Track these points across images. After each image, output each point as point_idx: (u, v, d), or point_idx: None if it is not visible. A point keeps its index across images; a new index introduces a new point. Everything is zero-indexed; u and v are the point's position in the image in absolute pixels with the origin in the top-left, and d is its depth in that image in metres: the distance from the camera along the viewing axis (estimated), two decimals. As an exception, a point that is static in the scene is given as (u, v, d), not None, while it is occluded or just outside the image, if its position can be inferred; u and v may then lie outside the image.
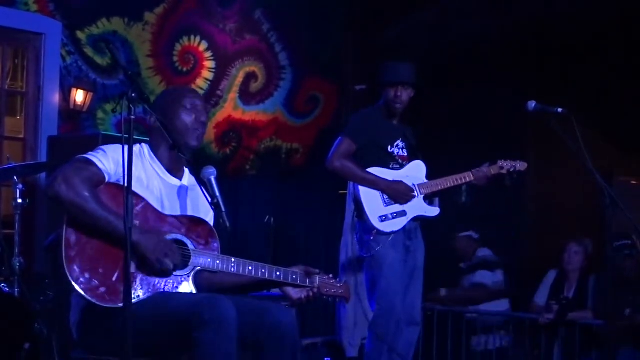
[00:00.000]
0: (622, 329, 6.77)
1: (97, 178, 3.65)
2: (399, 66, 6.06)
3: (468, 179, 6.04)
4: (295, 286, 4.01)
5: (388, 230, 5.82)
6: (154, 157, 3.92)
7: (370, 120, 6.05)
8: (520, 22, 8.62)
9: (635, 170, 9.75)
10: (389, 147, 6.00)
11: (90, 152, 3.75)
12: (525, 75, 8.62)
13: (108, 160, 3.70)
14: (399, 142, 6.06)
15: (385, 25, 9.32)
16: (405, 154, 6.07)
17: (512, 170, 6.12)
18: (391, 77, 6.01)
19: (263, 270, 3.89)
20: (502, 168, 6.09)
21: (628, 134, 9.07)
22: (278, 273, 3.93)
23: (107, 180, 3.69)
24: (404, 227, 5.88)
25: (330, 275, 4.15)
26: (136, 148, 3.89)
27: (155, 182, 3.86)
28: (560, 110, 4.74)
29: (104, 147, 3.79)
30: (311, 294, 4.03)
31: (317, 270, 4.05)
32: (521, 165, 6.15)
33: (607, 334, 6.89)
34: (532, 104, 4.84)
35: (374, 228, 5.79)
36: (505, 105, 7.28)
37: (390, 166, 5.97)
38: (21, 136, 7.59)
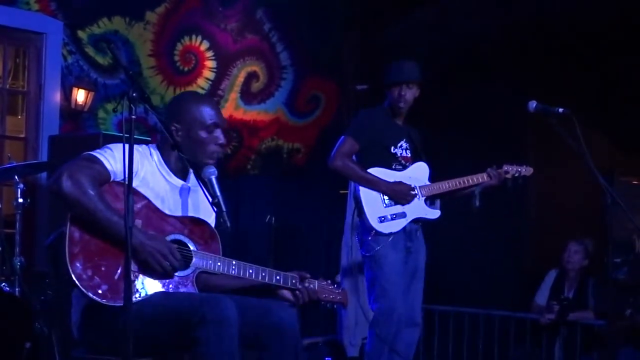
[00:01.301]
0: (623, 329, 6.77)
1: (102, 177, 3.65)
2: (403, 65, 6.02)
3: (480, 180, 6.02)
4: (294, 290, 4.02)
5: (387, 231, 5.80)
6: (160, 157, 3.92)
7: (373, 120, 6.03)
8: (520, 22, 8.61)
9: (636, 170, 9.73)
10: (392, 147, 5.99)
11: (97, 150, 3.75)
12: (525, 75, 8.61)
13: (115, 159, 3.69)
14: (403, 143, 6.03)
15: (386, 25, 9.31)
16: (409, 155, 6.05)
17: (517, 175, 6.10)
18: (395, 77, 5.98)
19: (263, 274, 3.89)
20: (507, 172, 6.08)
21: (629, 133, 9.06)
22: (278, 277, 3.94)
23: (112, 179, 3.69)
24: (404, 229, 5.87)
25: (329, 281, 4.16)
26: (144, 148, 3.90)
27: (160, 183, 3.86)
28: (561, 110, 4.73)
29: (111, 145, 3.78)
30: (307, 299, 4.06)
31: (309, 275, 4.06)
32: (527, 171, 6.13)
33: (608, 334, 6.90)
34: (533, 104, 4.82)
35: (372, 228, 5.79)
36: (505, 105, 7.28)
37: (393, 167, 5.96)
38: (22, 135, 7.59)
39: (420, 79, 6.00)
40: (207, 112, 3.90)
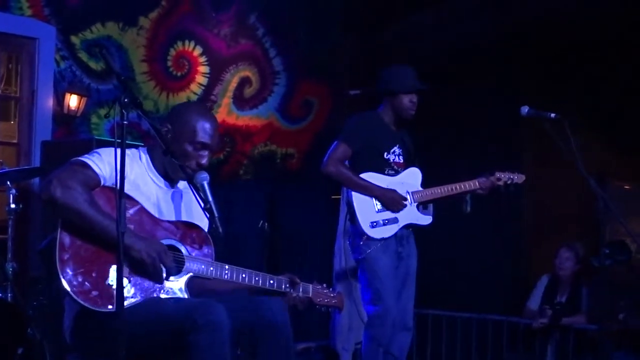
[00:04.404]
0: (616, 333, 6.78)
1: (92, 181, 3.65)
2: (412, 73, 5.99)
3: (472, 187, 6.02)
4: (287, 294, 4.03)
5: (378, 236, 5.81)
6: (150, 162, 3.92)
7: (366, 125, 6.01)
8: (515, 26, 8.61)
9: (629, 175, 9.75)
10: (385, 153, 5.99)
11: (85, 155, 3.75)
12: (520, 79, 8.62)
13: (103, 163, 3.70)
14: (396, 149, 6.04)
15: (381, 29, 9.31)
16: (401, 161, 6.05)
17: (509, 182, 6.10)
18: (406, 85, 5.97)
19: (257, 278, 3.90)
20: (499, 179, 6.08)
21: (622, 138, 9.07)
22: (272, 281, 3.95)
23: (102, 183, 3.69)
24: (395, 234, 5.88)
25: (324, 285, 4.17)
26: (133, 152, 3.90)
27: (151, 187, 3.87)
28: (553, 115, 4.76)
29: (99, 150, 3.79)
30: (300, 305, 4.07)
31: (298, 280, 4.06)
32: (519, 178, 6.13)
33: (601, 338, 6.90)
34: (525, 109, 4.85)
35: (364, 233, 5.79)
36: (500, 109, 7.30)
37: (386, 172, 5.96)
38: (15, 141, 7.57)
39: (428, 87, 6.03)
40: (201, 129, 3.90)
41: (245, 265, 3.91)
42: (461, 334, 7.97)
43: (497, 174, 6.09)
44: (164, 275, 3.68)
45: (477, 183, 6.04)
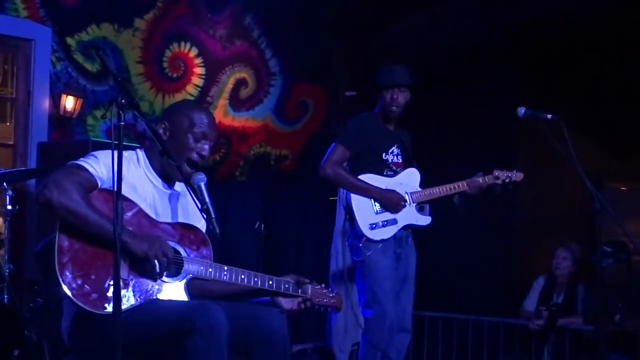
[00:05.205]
0: (612, 335, 6.77)
1: (89, 183, 3.63)
2: (395, 68, 6.01)
3: (462, 188, 6.01)
4: (287, 296, 4.02)
5: (377, 238, 5.80)
6: (148, 163, 3.91)
7: (364, 126, 6.00)
8: (511, 27, 8.62)
9: (625, 176, 9.75)
10: (384, 154, 5.98)
11: (81, 158, 3.73)
12: (517, 81, 8.62)
13: (99, 165, 3.68)
14: (394, 149, 6.02)
15: (377, 31, 9.31)
16: (400, 161, 6.04)
17: (507, 180, 6.08)
18: (387, 80, 5.97)
19: (256, 279, 3.88)
20: (497, 178, 6.05)
21: (618, 140, 9.07)
22: (270, 282, 3.93)
23: (99, 185, 3.67)
24: (394, 235, 5.87)
25: (323, 285, 4.15)
26: (130, 154, 3.88)
27: (147, 188, 3.85)
28: (549, 116, 4.75)
29: (94, 152, 3.76)
30: (302, 305, 4.05)
31: (307, 280, 4.05)
32: (517, 176, 6.10)
33: (597, 339, 6.90)
34: (521, 110, 4.84)
35: (363, 235, 5.78)
36: (497, 110, 7.29)
37: (384, 173, 5.95)
38: (11, 142, 7.56)
39: (412, 83, 5.99)
40: (200, 121, 3.89)
41: (241, 266, 3.90)
42: (457, 336, 7.96)
43: (496, 172, 6.07)
44: (158, 270, 3.64)
45: (472, 182, 6.02)
